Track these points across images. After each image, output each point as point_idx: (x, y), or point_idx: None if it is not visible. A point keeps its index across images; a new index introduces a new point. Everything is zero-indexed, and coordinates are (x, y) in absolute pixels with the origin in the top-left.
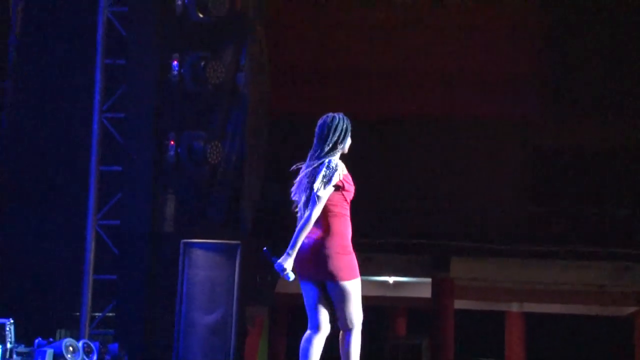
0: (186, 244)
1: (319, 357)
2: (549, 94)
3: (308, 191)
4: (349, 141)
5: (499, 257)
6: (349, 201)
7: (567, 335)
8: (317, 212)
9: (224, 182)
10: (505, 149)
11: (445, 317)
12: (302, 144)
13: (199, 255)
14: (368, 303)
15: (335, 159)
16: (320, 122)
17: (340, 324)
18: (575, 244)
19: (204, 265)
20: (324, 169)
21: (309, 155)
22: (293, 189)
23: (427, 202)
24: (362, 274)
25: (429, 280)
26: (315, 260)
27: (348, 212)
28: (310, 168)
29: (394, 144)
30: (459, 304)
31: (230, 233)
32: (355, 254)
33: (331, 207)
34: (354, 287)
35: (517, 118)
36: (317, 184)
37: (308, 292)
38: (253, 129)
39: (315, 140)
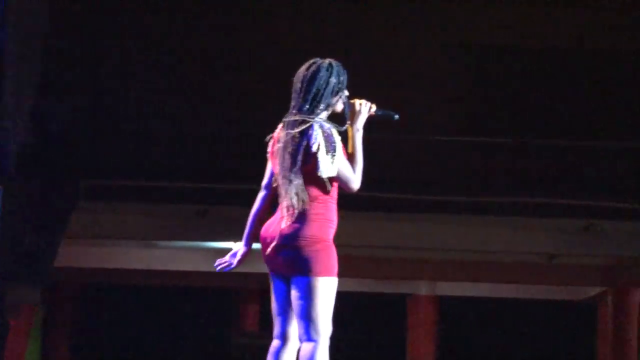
0: None
1: None
2: None
3: (287, 163)
4: (341, 97)
5: (401, 212)
6: (335, 183)
7: (499, 329)
8: (358, 182)
9: None
10: (421, 46)
11: None
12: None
13: None
14: (201, 283)
15: (324, 122)
16: (300, 70)
17: (299, 333)
18: (514, 194)
19: None
20: (320, 137)
21: (285, 116)
22: (270, 152)
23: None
24: (189, 237)
25: None
26: (286, 250)
27: (334, 196)
28: (290, 133)
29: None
30: (341, 284)
31: None
32: (178, 206)
33: (310, 189)
34: (324, 287)
35: None
36: (324, 166)
37: (276, 290)
38: (20, 8)
39: (292, 94)
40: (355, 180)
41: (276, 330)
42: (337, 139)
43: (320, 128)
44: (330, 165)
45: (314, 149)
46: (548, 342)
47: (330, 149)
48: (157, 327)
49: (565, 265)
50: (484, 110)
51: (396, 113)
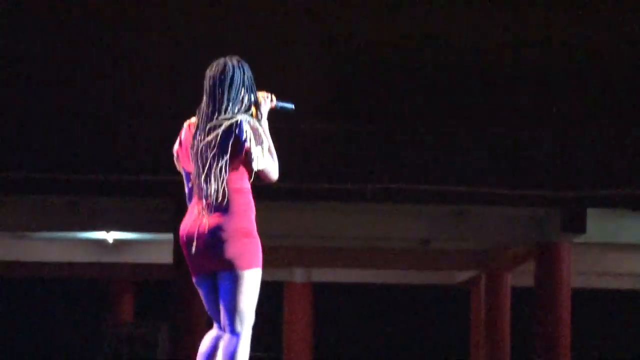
0: None
1: None
2: None
3: (212, 162)
4: (254, 94)
5: (276, 200)
6: (250, 173)
7: (375, 314)
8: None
9: None
10: (287, 36)
11: (192, 292)
12: None
13: None
14: (75, 272)
15: (247, 117)
16: (208, 73)
17: (225, 324)
18: (386, 180)
19: None
20: (249, 132)
21: (199, 115)
22: (177, 151)
23: (162, 115)
24: (62, 228)
25: (170, 237)
26: (208, 246)
27: (249, 186)
28: (214, 134)
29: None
30: None
31: None
32: (50, 197)
33: (235, 182)
34: (250, 279)
35: None
36: (257, 159)
37: (204, 290)
38: None
39: (205, 97)
40: (275, 170)
41: (218, 323)
42: (261, 131)
43: (247, 123)
44: (262, 157)
45: (247, 144)
46: (423, 326)
47: (259, 141)
48: (31, 318)
49: (439, 251)
50: (354, 100)
51: (292, 104)
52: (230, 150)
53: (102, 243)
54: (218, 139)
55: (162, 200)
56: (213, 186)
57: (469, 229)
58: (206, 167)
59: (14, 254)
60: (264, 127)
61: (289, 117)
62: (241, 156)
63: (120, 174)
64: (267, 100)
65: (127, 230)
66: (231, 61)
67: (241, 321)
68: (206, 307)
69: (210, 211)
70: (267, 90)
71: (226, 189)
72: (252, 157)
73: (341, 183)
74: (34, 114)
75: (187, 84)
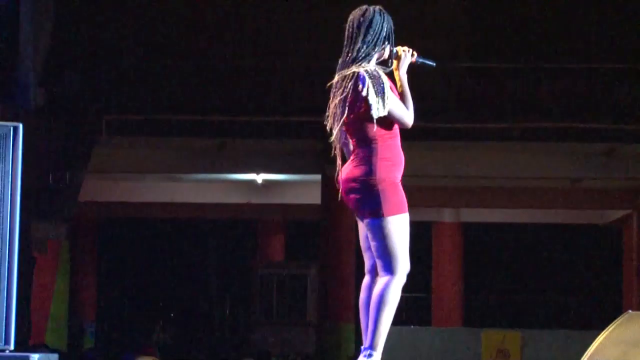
0: None
1: None
2: None
3: (340, 110)
4: (390, 43)
5: (425, 140)
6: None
7: (523, 254)
8: (411, 118)
9: None
10: None
11: (341, 233)
12: None
13: None
14: (224, 214)
15: (371, 66)
16: (350, 17)
17: (378, 269)
18: (537, 119)
19: None
20: (368, 81)
21: (340, 61)
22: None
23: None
24: (210, 169)
25: (318, 177)
26: (351, 194)
27: (395, 133)
28: (339, 77)
29: None
30: None
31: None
32: (198, 139)
33: (367, 131)
34: (392, 226)
35: None
36: (375, 107)
37: (360, 228)
38: None
39: (345, 42)
40: (408, 116)
41: (366, 265)
42: (385, 79)
43: (366, 72)
44: (381, 105)
45: (364, 93)
46: (573, 266)
47: (380, 90)
48: (181, 259)
49: (589, 189)
50: (500, 37)
51: (434, 62)
52: (351, 100)
53: (251, 184)
54: (342, 87)
55: (310, 141)
56: (337, 132)
57: (619, 167)
58: (335, 115)
59: (166, 196)
60: (403, 80)
61: (434, 58)
62: (362, 105)
63: (269, 115)
64: (407, 55)
65: (275, 172)
66: (374, 8)
67: (389, 265)
68: (361, 245)
69: (353, 159)
70: (409, 46)
71: (349, 137)
72: (370, 105)
73: (490, 122)
74: (185, 57)
75: (333, 26)
